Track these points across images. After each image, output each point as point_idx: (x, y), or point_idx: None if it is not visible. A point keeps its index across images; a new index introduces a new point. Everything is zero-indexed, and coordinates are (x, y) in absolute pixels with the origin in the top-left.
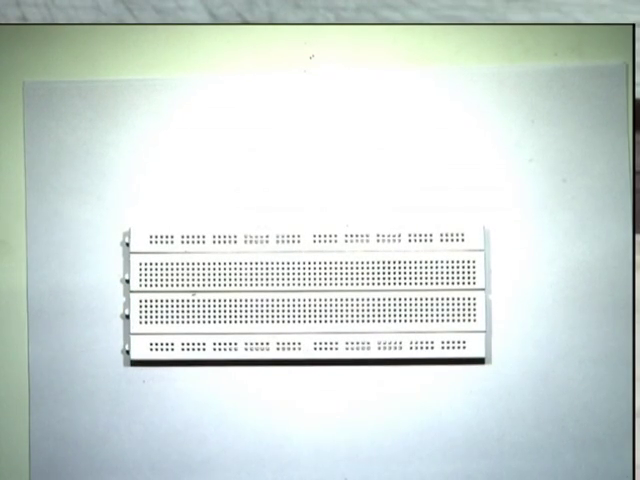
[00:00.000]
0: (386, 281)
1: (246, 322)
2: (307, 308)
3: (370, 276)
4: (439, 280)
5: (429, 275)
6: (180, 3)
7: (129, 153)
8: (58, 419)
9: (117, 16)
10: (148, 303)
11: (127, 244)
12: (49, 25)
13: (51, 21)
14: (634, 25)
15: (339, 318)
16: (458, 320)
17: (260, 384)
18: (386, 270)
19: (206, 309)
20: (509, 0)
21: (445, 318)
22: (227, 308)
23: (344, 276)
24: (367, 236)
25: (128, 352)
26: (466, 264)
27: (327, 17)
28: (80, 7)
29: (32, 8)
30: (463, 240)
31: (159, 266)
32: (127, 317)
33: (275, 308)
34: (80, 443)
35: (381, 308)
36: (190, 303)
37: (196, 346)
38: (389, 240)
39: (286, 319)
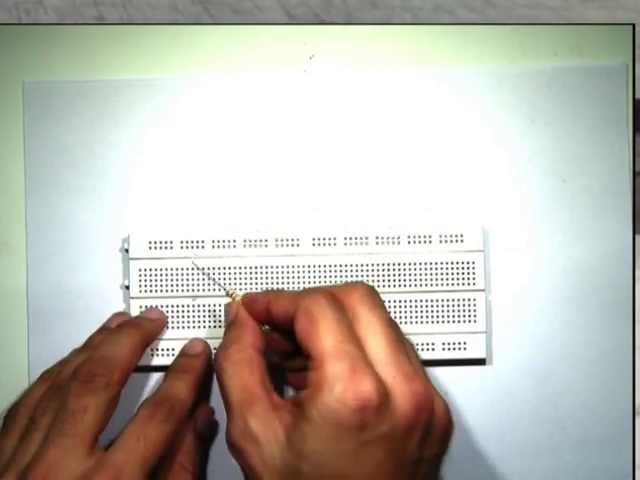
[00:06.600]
0: (386, 283)
1: None
2: None
3: (370, 278)
4: (439, 281)
5: (429, 276)
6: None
7: (129, 153)
8: None
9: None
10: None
11: (126, 250)
12: (49, 25)
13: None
14: (634, 25)
15: None
16: (458, 321)
17: None
18: (385, 272)
19: (207, 314)
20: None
21: (445, 319)
22: None
23: (344, 279)
24: (366, 238)
25: None
26: (465, 265)
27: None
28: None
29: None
30: (462, 241)
31: (159, 272)
32: None
33: None
34: None
35: None
36: (190, 308)
37: None
38: (388, 242)
39: None
